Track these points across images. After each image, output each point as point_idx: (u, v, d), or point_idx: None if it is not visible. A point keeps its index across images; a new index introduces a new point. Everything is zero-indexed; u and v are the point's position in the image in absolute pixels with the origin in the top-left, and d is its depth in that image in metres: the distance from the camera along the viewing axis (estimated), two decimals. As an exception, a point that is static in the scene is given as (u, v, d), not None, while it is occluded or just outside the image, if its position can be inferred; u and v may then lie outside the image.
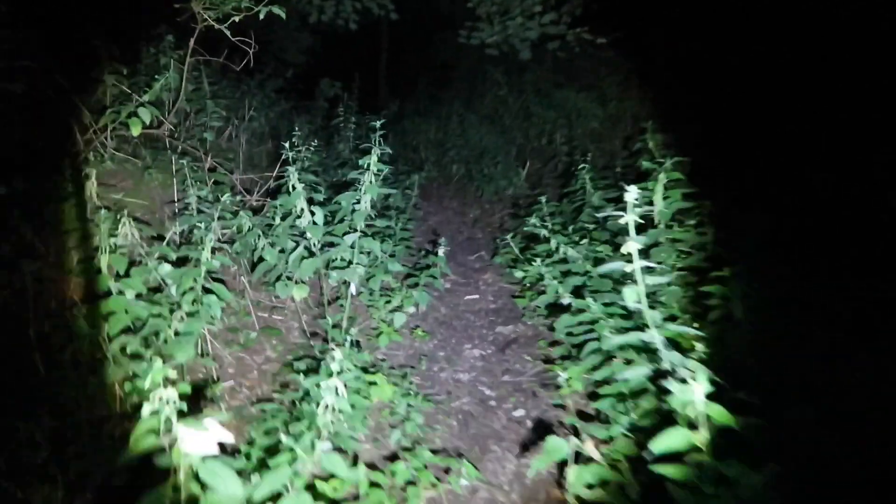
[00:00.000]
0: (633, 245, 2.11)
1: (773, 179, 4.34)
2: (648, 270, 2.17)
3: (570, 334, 3.36)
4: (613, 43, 8.12)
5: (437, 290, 4.73)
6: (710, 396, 1.86)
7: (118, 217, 3.12)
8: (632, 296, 2.17)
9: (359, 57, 12.61)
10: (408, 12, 11.67)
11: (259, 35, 4.75)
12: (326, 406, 2.29)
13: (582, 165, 4.40)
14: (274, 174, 4.45)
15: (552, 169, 7.96)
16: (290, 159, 3.65)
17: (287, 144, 3.68)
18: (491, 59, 9.77)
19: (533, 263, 3.72)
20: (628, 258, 2.21)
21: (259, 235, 3.74)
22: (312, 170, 5.28)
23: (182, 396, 1.69)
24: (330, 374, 2.35)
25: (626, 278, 2.28)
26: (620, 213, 2.18)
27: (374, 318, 4.21)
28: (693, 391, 1.83)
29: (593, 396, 3.18)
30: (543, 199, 4.43)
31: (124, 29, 5.34)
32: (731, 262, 3.03)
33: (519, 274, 4.50)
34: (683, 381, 1.88)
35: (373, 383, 3.20)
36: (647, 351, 2.40)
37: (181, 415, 1.63)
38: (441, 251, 4.46)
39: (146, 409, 1.62)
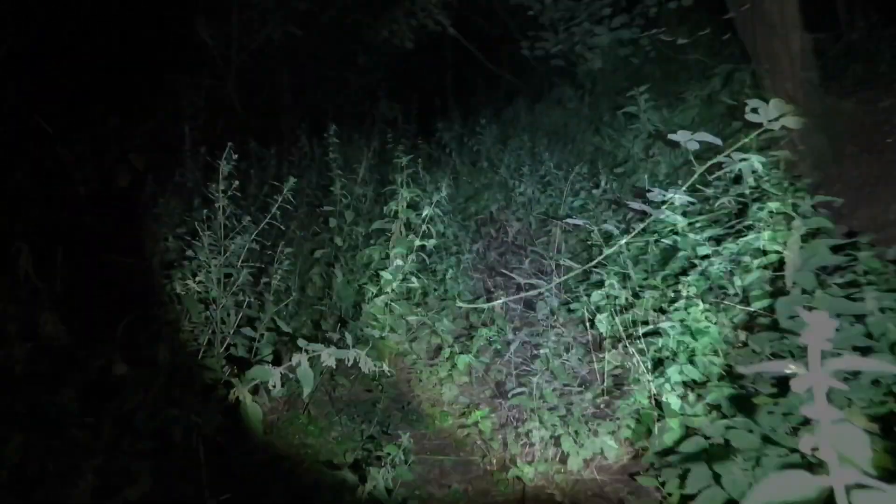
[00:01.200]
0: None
1: None
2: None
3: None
4: (695, 43, 7.20)
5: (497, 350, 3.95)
6: None
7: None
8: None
9: (424, 76, 12.18)
10: (468, 27, 11.09)
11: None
12: None
13: (668, 197, 3.42)
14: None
15: (630, 188, 7.05)
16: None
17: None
18: (558, 70, 9.02)
19: (611, 350, 2.86)
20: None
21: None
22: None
23: None
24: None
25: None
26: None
27: (418, 393, 3.46)
28: None
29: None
30: (623, 242, 3.50)
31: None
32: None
33: (602, 328, 3.56)
34: None
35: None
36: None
37: None
38: (498, 304, 3.67)
39: None
